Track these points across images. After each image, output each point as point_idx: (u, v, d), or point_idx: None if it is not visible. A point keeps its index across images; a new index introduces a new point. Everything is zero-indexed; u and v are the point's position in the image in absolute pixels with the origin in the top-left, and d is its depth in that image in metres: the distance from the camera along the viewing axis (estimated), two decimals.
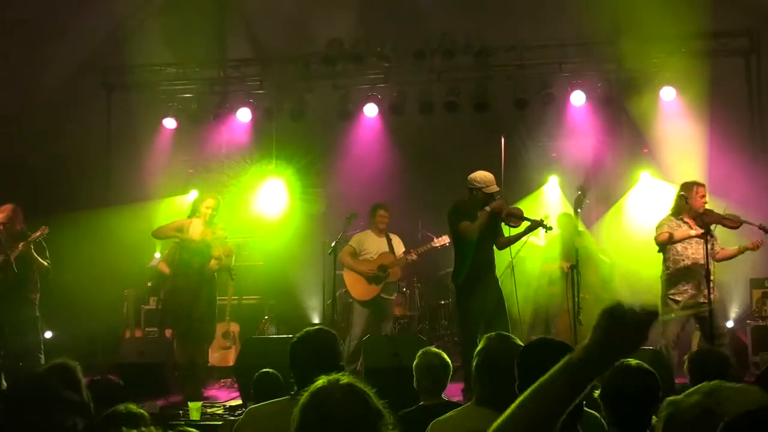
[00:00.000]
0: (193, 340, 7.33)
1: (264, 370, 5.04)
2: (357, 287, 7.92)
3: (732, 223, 6.67)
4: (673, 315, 6.71)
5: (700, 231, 6.60)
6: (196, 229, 7.30)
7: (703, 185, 6.89)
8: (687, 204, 6.75)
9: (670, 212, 6.92)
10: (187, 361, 7.30)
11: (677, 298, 6.74)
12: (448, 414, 3.09)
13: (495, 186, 6.62)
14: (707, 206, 6.81)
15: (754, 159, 8.92)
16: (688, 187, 6.86)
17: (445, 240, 7.84)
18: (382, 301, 7.95)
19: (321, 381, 2.07)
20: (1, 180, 8.87)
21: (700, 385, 1.84)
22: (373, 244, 8.02)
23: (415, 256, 7.94)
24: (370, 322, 7.93)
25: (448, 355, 4.20)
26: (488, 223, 6.59)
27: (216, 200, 7.43)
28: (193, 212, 7.42)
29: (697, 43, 9.25)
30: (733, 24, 9.31)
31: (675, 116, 9.34)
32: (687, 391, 1.85)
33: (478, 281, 6.61)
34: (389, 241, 8.02)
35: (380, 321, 7.98)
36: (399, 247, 8.05)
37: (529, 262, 8.64)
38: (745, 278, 8.41)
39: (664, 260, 6.88)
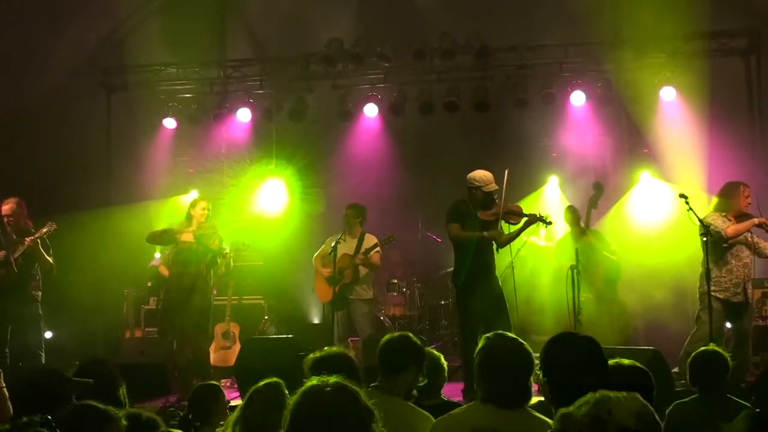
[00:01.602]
0: (191, 338, 7.33)
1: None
2: (318, 288, 8.01)
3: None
4: (702, 316, 6.69)
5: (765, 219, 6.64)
6: (189, 233, 7.37)
7: (748, 186, 6.90)
8: (733, 203, 6.76)
9: (712, 209, 6.88)
10: (187, 363, 7.30)
11: (719, 295, 6.68)
12: (453, 411, 3.10)
13: (494, 185, 6.62)
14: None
15: (754, 159, 8.92)
16: (734, 187, 6.86)
17: (388, 240, 7.83)
18: (350, 301, 7.82)
19: (311, 381, 2.08)
20: (1, 180, 8.86)
21: (587, 396, 1.92)
22: (341, 246, 7.85)
23: (357, 261, 7.76)
24: (343, 324, 7.87)
25: (448, 355, 4.22)
26: (488, 224, 6.61)
27: (209, 201, 7.52)
28: (187, 217, 7.50)
29: (697, 43, 9.25)
30: (733, 24, 9.30)
31: (675, 116, 9.34)
32: (577, 403, 1.93)
33: (478, 281, 6.60)
34: (360, 241, 7.87)
35: (353, 321, 7.87)
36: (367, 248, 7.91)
37: (530, 261, 8.63)
38: None
39: (708, 257, 6.71)
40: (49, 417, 2.30)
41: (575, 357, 2.57)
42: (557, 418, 1.99)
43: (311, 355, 3.58)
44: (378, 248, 7.81)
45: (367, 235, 7.94)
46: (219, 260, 7.26)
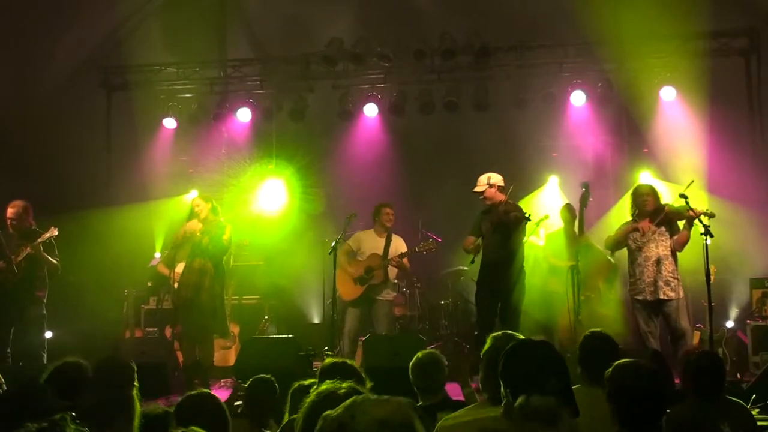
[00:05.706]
0: (193, 337, 7.33)
1: (259, 375, 4.69)
2: (343, 286, 7.95)
3: (678, 215, 6.68)
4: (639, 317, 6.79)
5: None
6: (195, 230, 7.39)
7: (641, 186, 7.08)
8: (634, 207, 6.92)
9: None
10: (191, 362, 7.30)
11: (638, 297, 6.80)
12: (458, 412, 3.09)
13: (479, 187, 7.05)
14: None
15: (753, 158, 8.92)
16: (634, 191, 7.04)
17: (429, 246, 7.85)
18: (373, 302, 7.89)
19: (325, 385, 2.09)
20: (1, 179, 8.86)
21: (347, 402, 1.84)
22: (368, 244, 7.96)
23: (393, 263, 7.82)
24: (360, 322, 7.91)
25: (448, 355, 4.22)
26: (494, 225, 6.95)
27: (204, 198, 7.53)
28: (190, 216, 7.53)
29: (697, 43, 9.25)
30: (733, 24, 9.30)
31: (675, 116, 9.34)
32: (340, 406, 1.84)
33: (488, 275, 6.98)
34: (389, 241, 7.94)
35: (373, 321, 7.94)
36: (398, 249, 7.96)
37: (530, 261, 8.60)
38: (745, 278, 8.39)
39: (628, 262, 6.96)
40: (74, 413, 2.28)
41: (534, 362, 2.50)
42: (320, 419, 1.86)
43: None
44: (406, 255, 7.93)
45: (394, 236, 8.01)
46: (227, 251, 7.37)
